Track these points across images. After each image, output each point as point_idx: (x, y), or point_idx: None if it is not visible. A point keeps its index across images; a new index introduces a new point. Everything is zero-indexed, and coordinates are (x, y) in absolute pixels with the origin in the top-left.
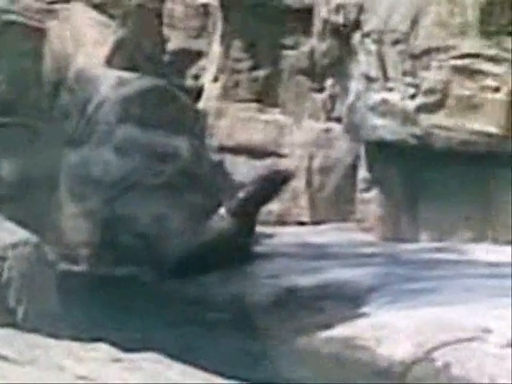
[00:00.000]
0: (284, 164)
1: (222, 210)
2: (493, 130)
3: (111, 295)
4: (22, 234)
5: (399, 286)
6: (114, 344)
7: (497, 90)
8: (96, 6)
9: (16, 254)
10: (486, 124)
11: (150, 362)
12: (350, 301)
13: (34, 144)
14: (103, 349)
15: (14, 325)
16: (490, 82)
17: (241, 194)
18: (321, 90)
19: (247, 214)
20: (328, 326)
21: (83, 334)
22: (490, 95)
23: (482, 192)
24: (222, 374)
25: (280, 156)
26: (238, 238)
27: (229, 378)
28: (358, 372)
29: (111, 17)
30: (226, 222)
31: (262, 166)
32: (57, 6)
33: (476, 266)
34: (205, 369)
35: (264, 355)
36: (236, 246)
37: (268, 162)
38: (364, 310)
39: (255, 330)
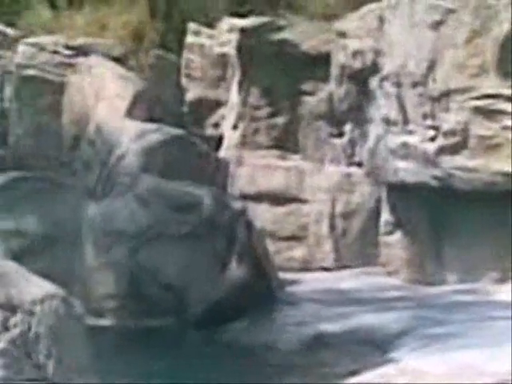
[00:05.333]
0: (305, 211)
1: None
2: None
3: (140, 347)
4: (48, 287)
5: (427, 330)
6: None
7: None
8: (115, 59)
9: (44, 309)
10: (508, 164)
11: None
12: (378, 346)
13: (55, 197)
14: None
15: (44, 379)
16: (510, 121)
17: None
18: (340, 134)
19: (256, 261)
20: (357, 373)
21: None
22: (510, 135)
23: (506, 232)
24: None
25: (302, 201)
26: (255, 284)
27: None
28: None
29: (130, 69)
30: (241, 270)
31: None
32: (77, 60)
33: (503, 307)
34: None
35: None
36: (256, 293)
37: (290, 207)
38: (393, 355)
39: (285, 377)
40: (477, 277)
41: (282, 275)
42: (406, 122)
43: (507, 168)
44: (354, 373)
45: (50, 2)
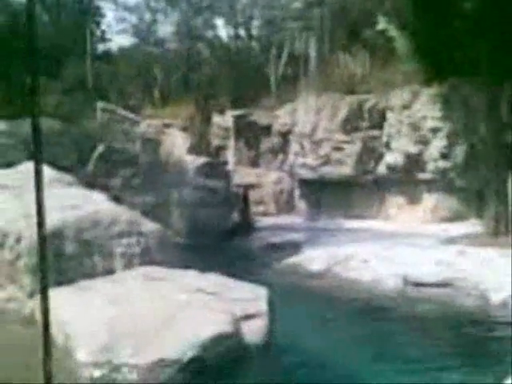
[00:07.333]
0: (263, 191)
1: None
2: (350, 171)
3: (193, 251)
4: (156, 225)
5: (316, 240)
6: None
7: (349, 155)
8: (182, 128)
9: (154, 235)
10: (347, 169)
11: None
12: (295, 247)
13: (159, 187)
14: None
15: (156, 264)
16: (346, 152)
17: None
18: (277, 158)
19: (244, 211)
20: (286, 258)
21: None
22: (347, 158)
23: (347, 198)
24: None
25: (262, 187)
26: (244, 222)
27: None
28: (301, 276)
29: (188, 133)
30: (238, 216)
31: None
32: (165, 129)
33: (346, 230)
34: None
35: (260, 271)
36: (244, 226)
37: (257, 190)
38: (302, 250)
39: (255, 260)
40: (336, 217)
41: (255, 218)
42: (304, 153)
43: (346, 171)
44: (285, 257)
45: (152, 104)
